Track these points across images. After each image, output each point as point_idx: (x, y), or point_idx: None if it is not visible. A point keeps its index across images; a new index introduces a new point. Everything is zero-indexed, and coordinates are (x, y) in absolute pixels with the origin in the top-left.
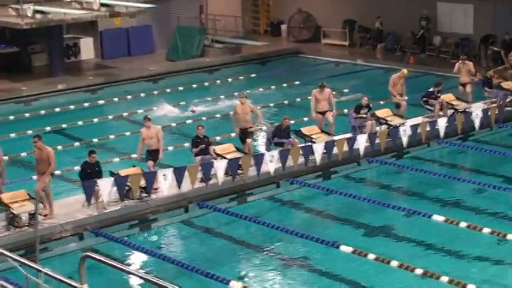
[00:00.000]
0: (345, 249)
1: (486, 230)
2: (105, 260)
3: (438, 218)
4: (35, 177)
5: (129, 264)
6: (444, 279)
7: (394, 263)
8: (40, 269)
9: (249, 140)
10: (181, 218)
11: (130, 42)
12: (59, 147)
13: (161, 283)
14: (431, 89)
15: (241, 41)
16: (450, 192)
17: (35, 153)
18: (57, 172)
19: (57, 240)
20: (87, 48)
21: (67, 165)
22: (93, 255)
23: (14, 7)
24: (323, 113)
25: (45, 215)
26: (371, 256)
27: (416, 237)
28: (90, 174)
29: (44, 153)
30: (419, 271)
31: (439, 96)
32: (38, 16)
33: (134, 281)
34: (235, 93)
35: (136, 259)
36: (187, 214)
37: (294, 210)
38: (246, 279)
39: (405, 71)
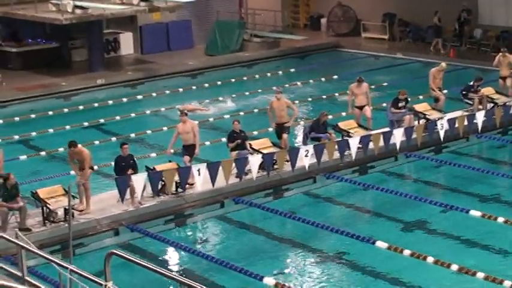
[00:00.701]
0: (381, 245)
1: None
2: (130, 258)
3: (475, 213)
4: (72, 172)
5: (163, 260)
6: (480, 275)
7: (430, 259)
8: (66, 265)
9: (285, 135)
10: (217, 214)
11: (170, 37)
12: (96, 142)
13: (185, 281)
14: (471, 83)
15: (280, 35)
16: (488, 187)
17: (69, 156)
18: (95, 167)
19: (92, 235)
20: (126, 43)
21: (104, 160)
22: (119, 253)
23: (54, 2)
24: (361, 108)
25: (81, 210)
26: (406, 252)
27: (453, 232)
28: (124, 167)
29: (81, 156)
30: (455, 267)
31: (479, 90)
32: (78, 11)
33: (163, 278)
34: (274, 88)
35: (172, 255)
36: (222, 209)
37: (330, 206)
38: (280, 275)
39: (444, 64)
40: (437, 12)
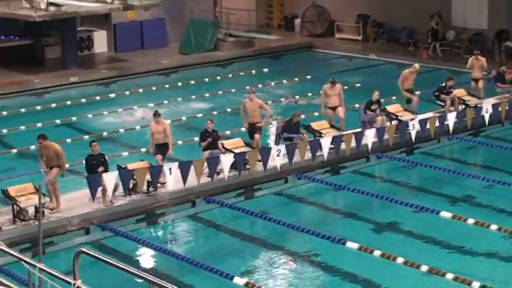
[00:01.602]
0: (351, 245)
1: (494, 227)
2: (99, 256)
3: (446, 214)
4: (42, 169)
5: (135, 259)
6: (449, 276)
7: (400, 260)
8: (34, 263)
9: (257, 136)
10: (188, 213)
11: (144, 35)
12: (68, 140)
13: (156, 280)
14: (443, 84)
15: (254, 34)
16: (459, 188)
17: (39, 151)
18: (66, 166)
19: (63, 234)
20: (100, 41)
21: (76, 158)
22: (88, 251)
23: None
24: (334, 108)
25: (51, 209)
26: (377, 252)
27: (424, 233)
28: (95, 166)
29: (51, 150)
30: (424, 268)
31: (451, 92)
32: (52, 8)
33: (133, 277)
34: (247, 88)
35: (143, 254)
36: (194, 209)
37: (301, 206)
38: (251, 275)
39: (417, 65)
40: (434, 16)
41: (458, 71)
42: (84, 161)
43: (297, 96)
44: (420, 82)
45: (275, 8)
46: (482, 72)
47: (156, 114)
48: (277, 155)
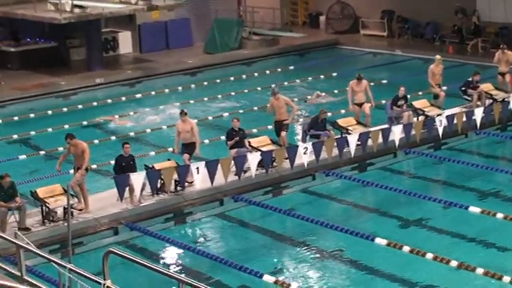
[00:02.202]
0: (380, 241)
1: None
2: (128, 256)
3: (475, 209)
4: (71, 171)
5: (163, 258)
6: (479, 271)
7: (429, 255)
8: (64, 264)
9: (283, 133)
10: (216, 212)
11: (169, 35)
12: (96, 141)
13: (184, 279)
14: (469, 79)
15: (279, 33)
16: (487, 183)
17: (67, 150)
18: (94, 166)
19: (92, 234)
20: (125, 42)
21: (103, 159)
22: (116, 251)
23: (53, 2)
24: (360, 105)
25: (80, 209)
26: (406, 248)
27: (453, 229)
28: (124, 167)
29: (79, 149)
30: (454, 263)
31: (478, 86)
32: (76, 10)
33: (162, 276)
34: (273, 86)
35: (171, 253)
36: (222, 207)
37: (329, 203)
38: (280, 272)
39: (438, 56)
40: (476, 11)
41: (485, 66)
42: (112, 161)
43: (323, 93)
44: (447, 77)
45: (299, 5)
46: (509, 66)
47: (183, 113)
48: (304, 153)
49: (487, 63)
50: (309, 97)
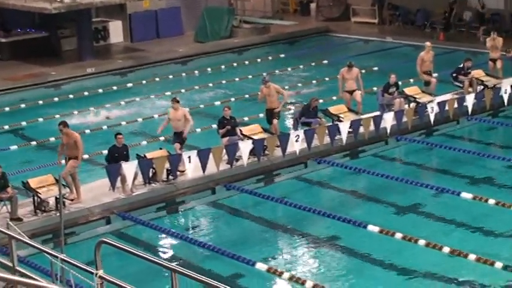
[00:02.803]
0: (373, 228)
1: None
2: (120, 246)
3: (466, 195)
4: (63, 161)
5: (155, 247)
6: (472, 257)
7: (422, 242)
8: (57, 254)
9: (275, 121)
10: (208, 200)
11: (159, 24)
12: (87, 131)
13: (177, 268)
14: (461, 65)
15: (270, 21)
16: (479, 169)
17: (62, 139)
18: (85, 156)
19: (84, 224)
20: (116, 31)
21: (95, 148)
22: (109, 241)
23: None
24: (351, 92)
25: (72, 200)
26: (398, 235)
27: (445, 215)
28: (117, 158)
29: (71, 138)
30: (446, 249)
31: (469, 73)
32: (67, 0)
33: (154, 265)
34: (264, 74)
35: (163, 242)
36: (214, 196)
37: (321, 190)
38: (273, 260)
39: (428, 43)
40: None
41: (476, 52)
42: (106, 151)
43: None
44: (438, 64)
45: None
46: (500, 52)
47: (174, 101)
48: (296, 140)
49: (477, 49)
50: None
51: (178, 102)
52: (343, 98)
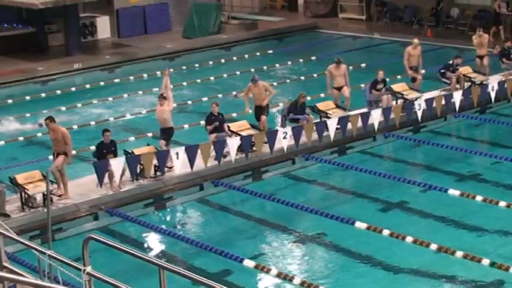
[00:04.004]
0: (360, 225)
1: (502, 204)
2: (108, 242)
3: (454, 192)
4: (50, 157)
5: (143, 244)
6: (459, 254)
7: (409, 239)
8: (44, 250)
9: (263, 117)
10: (196, 196)
11: (147, 20)
12: (75, 126)
13: (165, 265)
14: (450, 61)
15: (258, 17)
16: (467, 166)
17: (50, 135)
18: (73, 152)
19: (72, 220)
20: (103, 27)
21: (83, 144)
22: (96, 237)
23: None
24: (339, 89)
25: (59, 195)
26: (386, 232)
27: (432, 211)
28: (105, 154)
29: (58, 134)
30: (434, 246)
31: (457, 69)
32: None
33: (142, 262)
34: (252, 70)
35: (151, 238)
36: (202, 192)
37: (309, 187)
38: (260, 256)
39: (416, 40)
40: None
41: (463, 49)
42: (94, 148)
43: (234, 92)
44: (425, 60)
45: None
46: (486, 49)
47: (161, 97)
48: (284, 137)
49: (464, 45)
50: (234, 93)
51: (165, 98)
52: (331, 95)
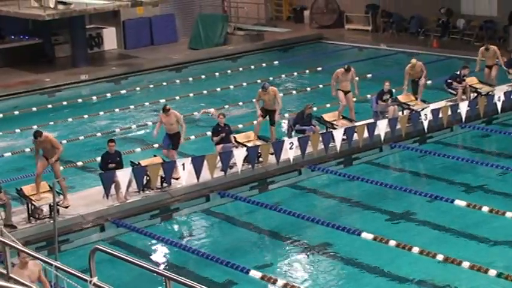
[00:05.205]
0: (366, 236)
1: (509, 214)
2: (115, 253)
3: (460, 202)
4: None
5: (150, 255)
6: (466, 264)
7: (416, 249)
8: (51, 262)
9: (272, 128)
10: (203, 207)
11: (153, 31)
12: (81, 137)
13: (171, 276)
14: (457, 72)
15: (263, 28)
16: (473, 176)
17: (35, 149)
18: (79, 163)
19: (78, 231)
20: (110, 38)
21: (89, 156)
22: (103, 248)
23: None
24: (346, 92)
25: (66, 207)
26: (392, 242)
27: (438, 222)
28: (111, 164)
29: (47, 142)
30: (440, 257)
31: (464, 80)
32: (60, 7)
33: (149, 272)
34: (258, 81)
35: (158, 249)
36: (208, 203)
37: (315, 198)
38: (267, 267)
39: (414, 60)
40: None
41: (469, 59)
42: (98, 158)
43: (212, 110)
44: (431, 71)
45: (284, 0)
46: (495, 60)
47: (165, 110)
48: (290, 148)
49: (470, 56)
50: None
51: (169, 110)
52: (337, 97)
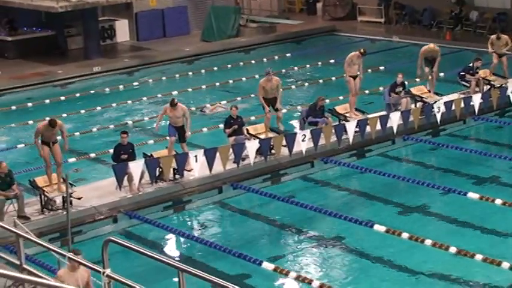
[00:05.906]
0: (379, 228)
1: None
2: (127, 244)
3: (473, 195)
4: (70, 159)
5: (162, 246)
6: (479, 257)
7: (428, 242)
8: (64, 253)
9: (279, 113)
10: (215, 199)
11: (166, 23)
12: (94, 129)
13: (184, 267)
14: (470, 64)
15: (276, 20)
16: (486, 169)
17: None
18: (92, 155)
19: (91, 223)
20: (122, 30)
21: (102, 147)
22: (116, 240)
23: None
24: (354, 77)
25: (79, 198)
26: (405, 235)
27: (451, 215)
28: (123, 156)
29: (62, 127)
30: (453, 249)
31: (477, 72)
32: None
33: (161, 264)
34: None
35: (170, 241)
36: (220, 195)
37: (328, 190)
38: (279, 259)
39: (432, 45)
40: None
41: (482, 51)
42: (110, 150)
43: (223, 102)
44: (444, 63)
45: None
46: (506, 49)
47: (173, 104)
48: (303, 140)
49: (483, 48)
50: (208, 105)
51: (176, 104)
52: (349, 83)
